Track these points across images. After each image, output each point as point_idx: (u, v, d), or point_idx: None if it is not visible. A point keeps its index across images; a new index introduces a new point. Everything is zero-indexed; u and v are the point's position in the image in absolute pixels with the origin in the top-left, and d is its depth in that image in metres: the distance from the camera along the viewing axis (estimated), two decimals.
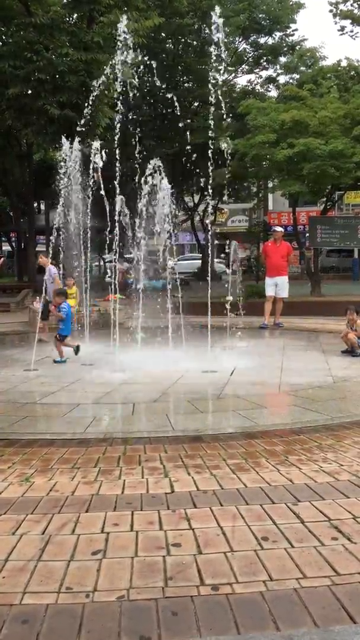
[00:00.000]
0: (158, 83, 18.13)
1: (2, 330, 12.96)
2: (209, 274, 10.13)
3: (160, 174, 9.44)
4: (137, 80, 15.34)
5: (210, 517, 3.03)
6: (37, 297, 14.72)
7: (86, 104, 10.56)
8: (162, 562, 2.56)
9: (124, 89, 9.07)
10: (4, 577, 2.45)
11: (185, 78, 26.21)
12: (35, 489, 3.47)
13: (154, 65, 11.71)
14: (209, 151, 8.89)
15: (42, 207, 31.93)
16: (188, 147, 18.27)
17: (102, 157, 11.06)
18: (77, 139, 10.08)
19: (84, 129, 11.41)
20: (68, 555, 2.63)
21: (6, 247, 40.93)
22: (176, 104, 16.63)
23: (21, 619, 2.15)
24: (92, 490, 3.45)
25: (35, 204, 29.08)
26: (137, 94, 9.21)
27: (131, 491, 3.42)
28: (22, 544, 2.76)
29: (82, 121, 9.87)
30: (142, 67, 14.07)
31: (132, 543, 2.75)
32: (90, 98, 10.29)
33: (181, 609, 2.20)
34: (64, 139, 11.14)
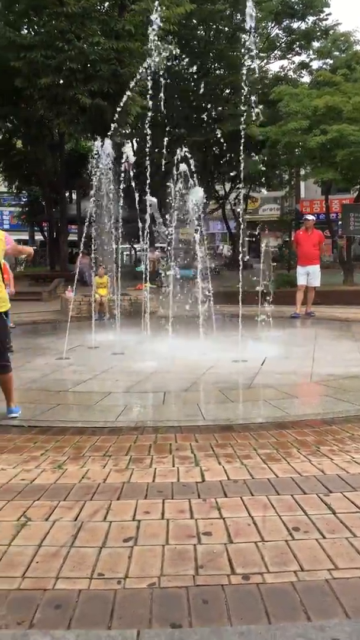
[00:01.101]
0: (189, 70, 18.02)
1: (35, 319, 13.12)
2: (240, 264, 10.07)
3: (189, 164, 9.40)
4: (167, 64, 15.28)
5: (241, 506, 3.03)
6: (69, 286, 14.87)
7: (120, 93, 10.55)
8: (192, 551, 2.57)
9: (155, 76, 9.03)
10: (38, 562, 2.50)
11: (216, 65, 26.00)
12: (68, 476, 3.52)
13: (185, 53, 11.63)
14: (241, 139, 8.81)
15: (74, 196, 32.14)
16: (219, 135, 18.15)
17: (132, 146, 11.07)
18: (112, 126, 10.05)
19: (116, 117, 11.41)
20: (100, 542, 2.67)
21: (38, 237, 41.38)
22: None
23: (54, 603, 2.19)
24: (123, 478, 3.48)
25: (67, 194, 29.27)
26: (169, 82, 9.13)
27: (162, 479, 3.44)
28: (55, 530, 2.80)
29: (117, 109, 9.82)
30: (173, 53, 14.02)
31: (163, 531, 2.77)
32: (130, 85, 10.23)
33: (212, 598, 2.21)
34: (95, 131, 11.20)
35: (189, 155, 9.49)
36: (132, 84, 10.43)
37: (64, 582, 2.34)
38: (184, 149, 9.44)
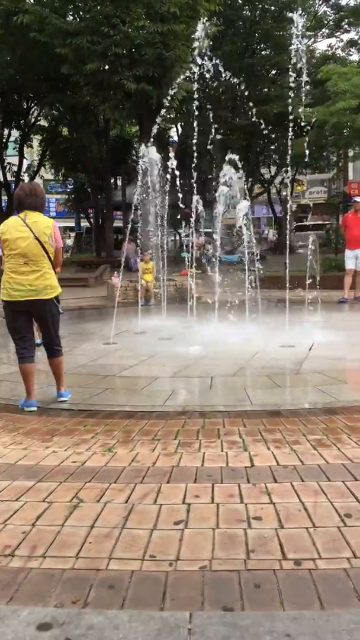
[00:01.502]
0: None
1: (82, 305, 13.30)
2: (287, 248, 9.93)
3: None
4: (212, 46, 15.04)
5: (291, 492, 3.01)
6: (115, 272, 14.99)
7: (165, 77, 10.47)
8: (243, 535, 2.57)
9: (201, 59, 8.92)
10: (90, 542, 2.54)
11: (262, 45, 25.55)
12: (118, 459, 3.56)
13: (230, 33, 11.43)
14: (288, 121, 8.66)
15: (119, 182, 32.28)
16: (265, 118, 17.87)
17: (177, 131, 11.03)
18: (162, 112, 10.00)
19: (165, 102, 11.36)
20: (151, 524, 2.69)
21: (84, 223, 41.79)
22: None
23: (107, 583, 2.23)
24: (172, 462, 3.50)
25: (112, 180, 29.42)
26: (214, 64, 8.99)
27: (211, 464, 3.44)
28: (107, 511, 2.84)
29: (162, 94, 9.77)
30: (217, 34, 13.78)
31: (213, 515, 2.77)
32: (175, 69, 10.12)
33: (264, 582, 2.21)
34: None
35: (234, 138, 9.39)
36: (178, 68, 10.33)
37: (117, 562, 2.37)
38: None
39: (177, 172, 9.49)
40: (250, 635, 1.92)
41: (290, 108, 8.77)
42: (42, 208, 4.95)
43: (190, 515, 2.78)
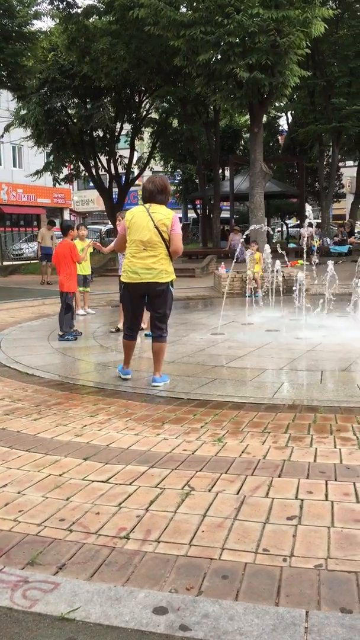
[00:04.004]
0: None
1: (189, 295, 13.42)
2: None
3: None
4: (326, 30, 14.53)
5: None
6: (222, 263, 14.98)
7: (278, 64, 10.21)
8: None
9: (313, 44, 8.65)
10: (203, 531, 2.55)
11: None
12: (228, 450, 3.55)
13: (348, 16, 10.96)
14: None
15: (226, 173, 32.19)
16: None
17: (287, 119, 10.81)
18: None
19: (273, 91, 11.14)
20: (263, 518, 2.66)
21: (191, 214, 42.10)
22: None
23: (221, 574, 2.22)
24: (283, 455, 3.44)
25: (220, 171, 29.38)
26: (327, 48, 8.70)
27: (323, 460, 3.35)
28: (218, 501, 2.84)
29: (275, 82, 9.55)
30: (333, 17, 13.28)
31: (328, 513, 2.70)
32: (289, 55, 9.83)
33: None
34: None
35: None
36: (292, 54, 10.06)
37: (230, 553, 2.36)
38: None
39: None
40: None
41: None
42: (167, 203, 5.40)
43: (304, 512, 2.72)
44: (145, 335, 7.31)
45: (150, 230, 5.14)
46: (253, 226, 14.07)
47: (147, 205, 5.28)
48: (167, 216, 5.22)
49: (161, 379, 5.34)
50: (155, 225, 5.14)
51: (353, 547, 2.38)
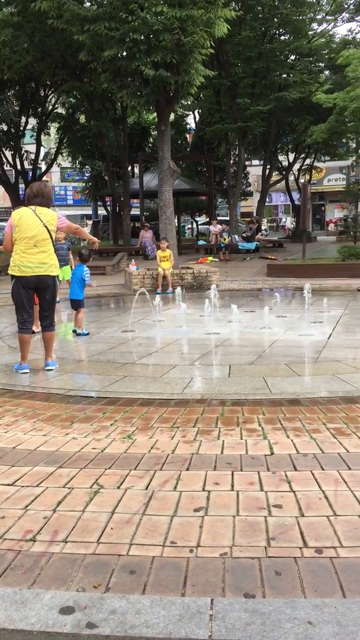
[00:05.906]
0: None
1: (100, 293, 13.32)
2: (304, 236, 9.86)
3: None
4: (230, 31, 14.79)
5: (311, 480, 3.00)
6: (133, 260, 14.99)
7: (183, 63, 10.30)
8: (263, 523, 2.57)
9: (218, 44, 8.82)
10: (112, 528, 2.56)
11: (281, 30, 25.17)
12: (137, 446, 3.58)
13: (249, 18, 11.26)
14: (306, 107, 8.54)
15: (136, 170, 32.19)
16: (283, 103, 17.67)
17: (194, 118, 10.94)
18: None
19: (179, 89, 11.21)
20: (171, 511, 2.70)
21: (101, 211, 41.78)
22: None
23: (129, 569, 2.24)
24: (191, 449, 3.50)
25: (129, 168, 29.33)
26: (231, 49, 8.89)
27: (230, 451, 3.44)
28: (127, 497, 2.86)
29: (180, 80, 9.62)
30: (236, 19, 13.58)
31: (233, 502, 2.78)
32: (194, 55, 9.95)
33: (285, 569, 2.21)
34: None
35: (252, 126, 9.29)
36: (196, 53, 10.17)
37: (138, 548, 2.39)
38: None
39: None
40: (272, 622, 1.92)
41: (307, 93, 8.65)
42: (48, 206, 5.92)
43: (210, 503, 2.78)
44: (73, 331, 7.98)
45: (40, 229, 5.66)
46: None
47: (32, 207, 5.79)
48: (53, 216, 5.82)
49: (53, 363, 5.92)
50: (44, 224, 5.69)
51: (256, 534, 2.47)
